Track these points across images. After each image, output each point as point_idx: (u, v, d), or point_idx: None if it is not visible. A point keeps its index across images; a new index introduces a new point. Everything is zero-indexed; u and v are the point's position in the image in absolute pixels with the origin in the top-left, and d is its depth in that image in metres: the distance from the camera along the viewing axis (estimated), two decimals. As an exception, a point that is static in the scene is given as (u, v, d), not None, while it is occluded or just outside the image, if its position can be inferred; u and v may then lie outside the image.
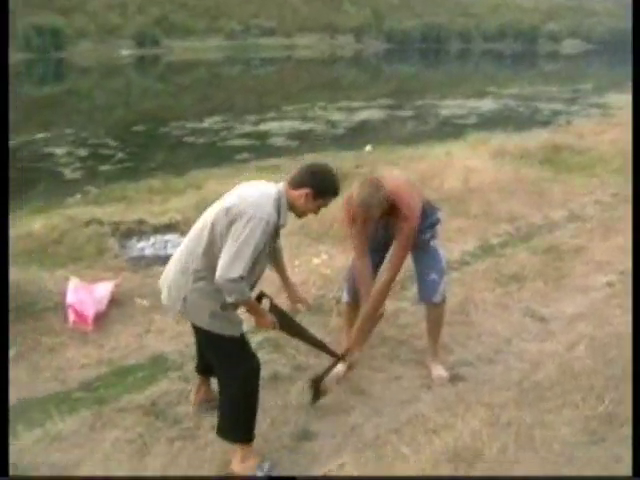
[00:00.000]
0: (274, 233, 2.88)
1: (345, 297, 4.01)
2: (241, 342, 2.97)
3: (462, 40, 77.65)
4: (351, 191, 3.52)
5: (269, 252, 2.97)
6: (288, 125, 17.97)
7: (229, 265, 2.68)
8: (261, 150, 13.67)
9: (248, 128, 18.03)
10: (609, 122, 13.98)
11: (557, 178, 8.32)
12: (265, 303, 3.07)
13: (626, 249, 5.80)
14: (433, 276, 3.83)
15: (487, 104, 23.09)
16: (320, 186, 2.90)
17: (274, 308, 3.10)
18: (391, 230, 3.63)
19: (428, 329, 4.00)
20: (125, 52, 54.02)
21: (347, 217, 3.62)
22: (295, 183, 2.91)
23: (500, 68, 48.96)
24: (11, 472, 2.83)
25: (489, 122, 15.30)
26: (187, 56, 53.41)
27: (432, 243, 3.86)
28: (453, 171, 8.29)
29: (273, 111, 20.78)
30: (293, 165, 8.70)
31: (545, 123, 15.75)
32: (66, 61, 47.62)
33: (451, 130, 14.81)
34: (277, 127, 17.47)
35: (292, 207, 2.94)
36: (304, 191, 2.88)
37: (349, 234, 3.72)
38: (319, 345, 3.52)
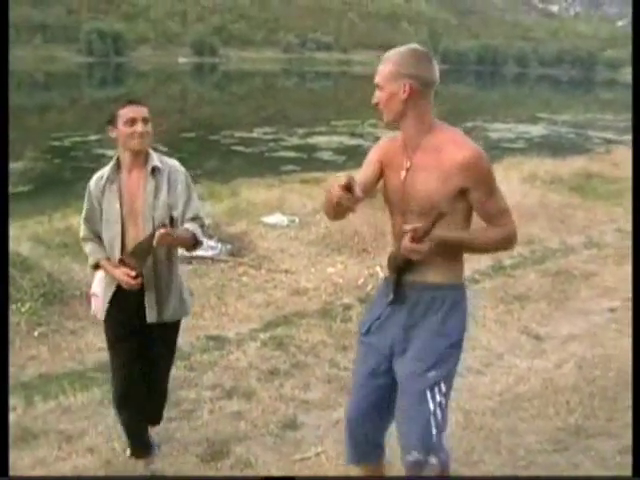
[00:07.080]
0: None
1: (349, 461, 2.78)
2: (111, 336, 3.18)
3: (518, 64, 77.22)
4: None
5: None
6: (336, 140, 18.21)
7: None
8: (307, 163, 13.96)
9: (296, 140, 18.44)
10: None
11: (583, 205, 8.44)
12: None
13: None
14: (416, 456, 2.38)
15: (537, 129, 23.15)
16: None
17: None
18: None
19: None
20: (183, 59, 55.44)
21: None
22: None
23: (555, 94, 48.68)
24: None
25: (536, 147, 15.33)
26: (244, 66, 54.50)
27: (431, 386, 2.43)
28: (480, 193, 8.49)
29: (323, 125, 21.16)
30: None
31: (588, 150, 15.74)
32: (125, 66, 49.16)
33: (497, 154, 14.84)
34: (325, 141, 17.77)
35: (123, 146, 2.90)
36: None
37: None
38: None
